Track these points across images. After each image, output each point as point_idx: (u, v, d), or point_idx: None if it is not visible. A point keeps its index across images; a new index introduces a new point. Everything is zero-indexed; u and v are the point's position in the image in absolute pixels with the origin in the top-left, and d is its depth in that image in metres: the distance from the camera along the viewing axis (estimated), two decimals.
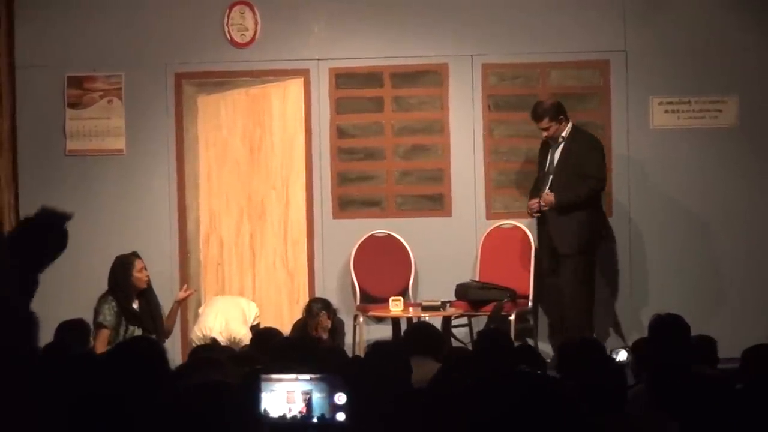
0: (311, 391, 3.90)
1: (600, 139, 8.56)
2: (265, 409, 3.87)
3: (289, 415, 3.89)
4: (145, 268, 7.68)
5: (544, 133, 8.40)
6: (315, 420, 3.87)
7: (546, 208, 8.36)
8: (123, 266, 7.64)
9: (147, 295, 7.68)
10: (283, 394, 3.90)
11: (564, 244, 8.32)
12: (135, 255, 7.71)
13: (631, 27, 9.06)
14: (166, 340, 7.80)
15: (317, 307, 8.14)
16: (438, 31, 9.17)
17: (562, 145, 8.40)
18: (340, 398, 3.88)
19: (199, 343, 8.24)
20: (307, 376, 3.91)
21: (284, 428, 3.88)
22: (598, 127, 9.06)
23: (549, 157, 8.48)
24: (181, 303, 8.12)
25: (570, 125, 8.42)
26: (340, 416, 3.87)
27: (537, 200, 8.43)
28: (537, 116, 8.41)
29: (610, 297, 9.07)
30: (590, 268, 8.43)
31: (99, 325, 7.44)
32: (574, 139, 8.39)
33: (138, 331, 7.46)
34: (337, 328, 8.26)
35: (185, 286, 8.35)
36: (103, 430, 3.77)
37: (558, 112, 8.38)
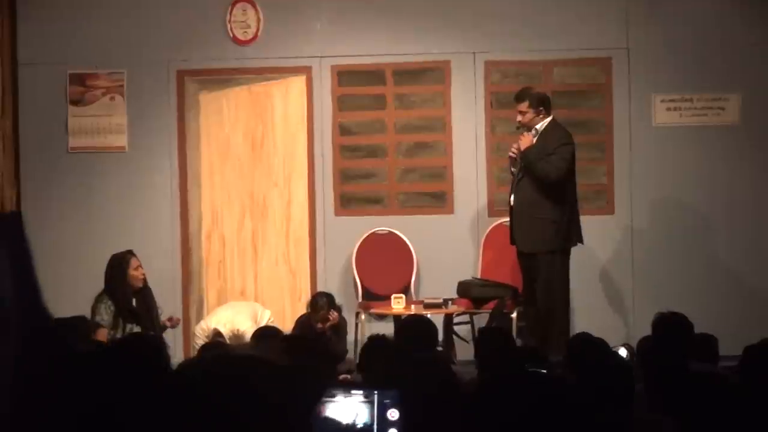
0: (362, 405, 3.85)
1: (572, 135, 8.11)
2: (334, 418, 3.82)
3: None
4: (141, 266, 7.67)
5: (519, 117, 8.05)
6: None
7: (517, 152, 8.01)
8: (118, 265, 7.61)
9: (144, 292, 7.65)
10: (340, 407, 3.86)
11: (537, 242, 7.97)
12: (130, 253, 7.69)
13: (633, 24, 9.05)
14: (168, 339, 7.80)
15: (322, 301, 8.15)
16: (440, 29, 9.16)
17: (536, 138, 8.03)
18: (393, 414, 3.83)
19: (201, 336, 8.24)
20: (359, 391, 3.86)
21: None
22: (600, 124, 9.06)
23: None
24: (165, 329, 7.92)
25: (548, 120, 8.06)
26: None
27: (516, 145, 8.06)
28: (518, 97, 8.08)
29: (611, 295, 9.06)
30: (565, 267, 8.04)
31: (96, 325, 7.42)
32: (547, 133, 8.02)
33: (136, 329, 7.45)
34: (340, 326, 8.26)
35: (174, 318, 8.06)
36: (106, 429, 3.76)
37: (540, 103, 8.03)
